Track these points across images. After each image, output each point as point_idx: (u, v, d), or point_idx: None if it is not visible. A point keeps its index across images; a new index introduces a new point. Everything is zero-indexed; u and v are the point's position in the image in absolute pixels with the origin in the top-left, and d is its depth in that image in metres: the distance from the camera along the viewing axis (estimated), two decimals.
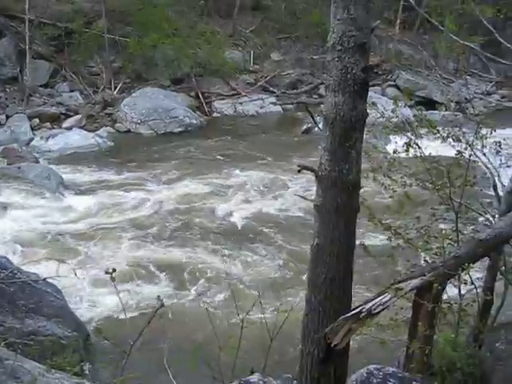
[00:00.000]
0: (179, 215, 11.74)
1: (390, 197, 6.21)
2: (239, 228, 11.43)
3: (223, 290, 8.62)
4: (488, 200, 8.30)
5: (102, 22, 20.34)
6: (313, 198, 4.49)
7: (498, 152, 6.53)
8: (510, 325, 7.14)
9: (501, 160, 7.03)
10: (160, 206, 12.20)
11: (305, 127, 18.04)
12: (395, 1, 24.10)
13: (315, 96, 21.61)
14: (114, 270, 3.73)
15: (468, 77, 25.23)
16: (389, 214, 7.29)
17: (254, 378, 4.38)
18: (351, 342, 4.89)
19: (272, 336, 5.26)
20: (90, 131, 17.14)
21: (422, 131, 6.42)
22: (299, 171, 4.42)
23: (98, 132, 17.20)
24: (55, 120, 17.90)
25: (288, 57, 23.68)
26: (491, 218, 6.44)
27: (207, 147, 16.64)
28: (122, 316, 6.42)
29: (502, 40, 9.60)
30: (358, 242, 5.66)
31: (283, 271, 9.57)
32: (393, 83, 23.79)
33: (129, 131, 17.88)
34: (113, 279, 3.69)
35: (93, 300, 8.57)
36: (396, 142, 6.50)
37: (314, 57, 22.85)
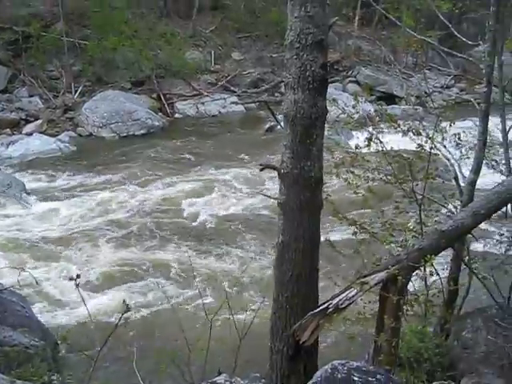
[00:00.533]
0: (150, 217, 11.60)
1: (354, 192, 6.25)
2: (210, 227, 11.36)
3: (194, 291, 8.56)
4: (450, 191, 8.43)
5: (59, 25, 20.08)
6: (277, 195, 4.50)
7: (457, 144, 6.65)
8: (475, 313, 7.27)
9: (461, 152, 7.16)
10: (128, 208, 12.04)
11: (268, 126, 18.07)
12: None
13: (277, 94, 21.63)
14: (78, 276, 3.69)
15: (427, 71, 25.59)
16: (353, 208, 7.39)
17: (221, 378, 4.38)
18: (321, 338, 4.92)
19: (241, 336, 5.27)
20: (51, 136, 16.83)
21: (384, 126, 6.49)
22: (262, 170, 4.43)
23: (59, 137, 16.93)
24: (15, 126, 17.60)
25: (249, 56, 23.70)
26: (454, 209, 6.54)
27: (172, 148, 16.52)
28: (92, 322, 6.34)
29: (457, 34, 9.78)
30: (323, 238, 5.70)
31: (252, 269, 9.55)
32: (353, 79, 23.98)
33: (91, 135, 17.65)
34: (77, 285, 3.65)
35: (63, 307, 8.44)
36: (358, 138, 6.55)
37: (274, 55, 22.91)
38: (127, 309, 3.82)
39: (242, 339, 5.24)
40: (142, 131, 17.79)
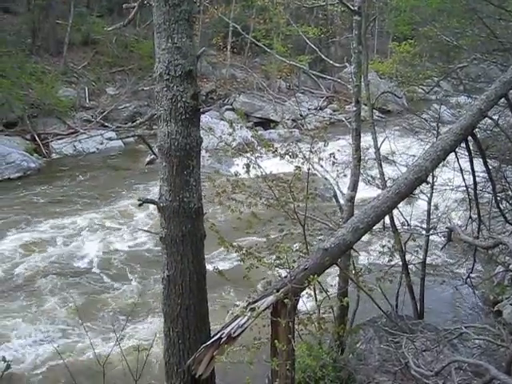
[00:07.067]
0: (29, 263, 11.07)
1: (238, 218, 6.27)
2: (95, 266, 11.04)
3: (81, 334, 8.21)
4: (332, 209, 8.67)
5: None
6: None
7: (333, 163, 6.84)
8: (366, 324, 7.50)
9: (337, 171, 7.38)
10: (5, 255, 11.44)
11: (148, 159, 18.01)
12: (224, 27, 24.75)
13: (155, 127, 21.44)
14: None
15: (300, 94, 26.52)
16: (239, 235, 7.40)
17: None
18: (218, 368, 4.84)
19: (136, 377, 5.09)
20: None
21: (262, 151, 6.58)
22: (140, 205, 4.33)
23: None
24: None
25: (124, 90, 23.45)
26: (336, 227, 6.71)
27: (50, 189, 15.95)
28: None
29: (325, 58, 10.20)
30: (211, 267, 5.66)
31: (142, 306, 9.30)
32: (230, 107, 24.40)
33: None
34: None
35: None
36: (237, 165, 6.60)
37: (145, 88, 22.73)
38: (8, 366, 3.57)
39: (136, 381, 5.05)
40: (18, 174, 17.04)
